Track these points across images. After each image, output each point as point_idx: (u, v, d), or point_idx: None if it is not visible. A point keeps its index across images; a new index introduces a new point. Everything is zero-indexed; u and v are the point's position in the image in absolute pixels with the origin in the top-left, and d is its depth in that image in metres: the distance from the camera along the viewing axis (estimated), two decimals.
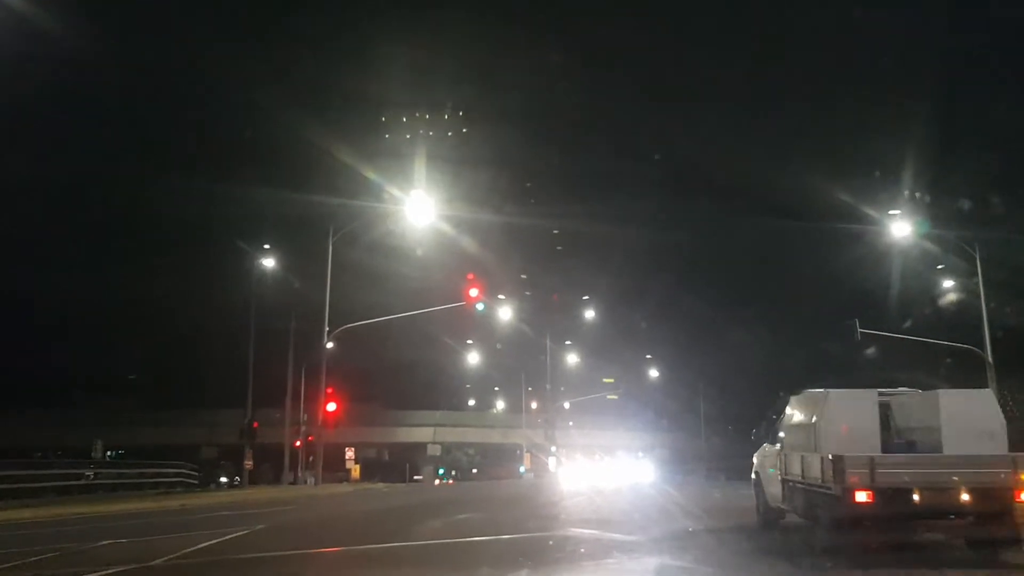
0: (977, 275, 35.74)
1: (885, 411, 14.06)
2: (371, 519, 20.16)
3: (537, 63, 50.11)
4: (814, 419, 13.89)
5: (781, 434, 16.02)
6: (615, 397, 77.25)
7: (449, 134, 42.02)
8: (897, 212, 35.22)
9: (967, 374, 42.99)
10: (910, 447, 13.35)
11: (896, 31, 53.95)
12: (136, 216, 57.00)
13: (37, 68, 41.80)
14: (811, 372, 56.31)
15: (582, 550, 13.71)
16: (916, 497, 11.88)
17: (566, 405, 73.98)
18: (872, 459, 12.14)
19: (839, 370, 56.47)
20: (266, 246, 42.92)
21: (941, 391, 14.12)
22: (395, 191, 35.51)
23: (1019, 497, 11.69)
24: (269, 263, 42.66)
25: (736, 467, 40.92)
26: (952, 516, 12.26)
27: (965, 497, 11.88)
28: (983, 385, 28.47)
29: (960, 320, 41.90)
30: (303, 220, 41.01)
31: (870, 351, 47.38)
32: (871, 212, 37.80)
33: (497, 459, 73.91)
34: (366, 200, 36.37)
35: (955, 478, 11.92)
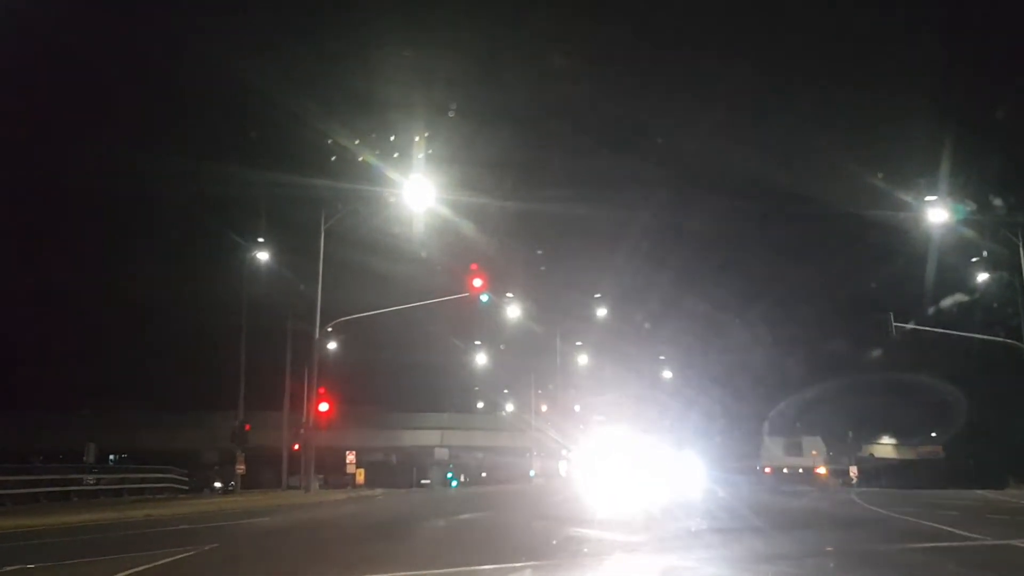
0: (1021, 263, 33.47)
1: (791, 443, 56.31)
2: (346, 534, 18.17)
3: (540, 59, 48.06)
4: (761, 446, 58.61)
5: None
6: (621, 402, 75.29)
7: (450, 131, 40.05)
8: (933, 198, 32.94)
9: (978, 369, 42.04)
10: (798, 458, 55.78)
11: (917, 16, 51.69)
12: (138, 212, 55.28)
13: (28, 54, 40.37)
14: (815, 372, 56.34)
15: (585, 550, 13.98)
16: (785, 470, 52.89)
17: (577, 408, 72.19)
18: (765, 458, 58.49)
19: (843, 371, 55.67)
20: (260, 240, 41.37)
21: (804, 438, 54.38)
22: (396, 180, 33.54)
23: (817, 471, 52.73)
24: (269, 261, 41.35)
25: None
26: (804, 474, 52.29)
27: (800, 471, 51.38)
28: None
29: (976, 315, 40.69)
30: (307, 221, 39.27)
31: (875, 352, 46.95)
32: (888, 206, 36.19)
33: (506, 462, 72.24)
34: (365, 185, 34.43)
35: (799, 464, 54.10)
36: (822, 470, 33.74)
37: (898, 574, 11.56)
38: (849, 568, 11.78)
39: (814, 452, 38.76)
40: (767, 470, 37.40)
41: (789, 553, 13.33)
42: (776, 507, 25.08)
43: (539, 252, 60.33)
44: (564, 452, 68.33)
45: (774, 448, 38.20)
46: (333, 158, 36.32)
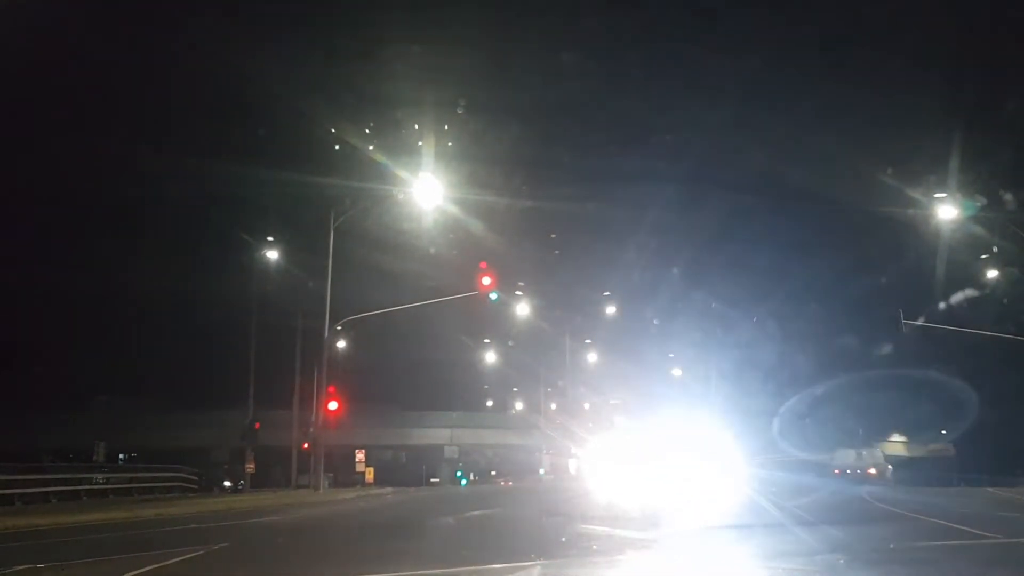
0: None
1: (858, 452, 54.07)
2: (356, 532, 18.17)
3: (549, 56, 48.03)
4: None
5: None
6: (631, 399, 75.12)
7: (460, 129, 40.00)
8: (943, 194, 32.67)
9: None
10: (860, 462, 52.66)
11: (927, 11, 51.48)
12: (147, 210, 55.28)
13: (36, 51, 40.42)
14: (825, 369, 56.25)
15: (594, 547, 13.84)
16: (848, 471, 50.92)
17: (586, 405, 72.01)
18: (836, 463, 53.57)
19: (853, 367, 55.60)
20: (269, 238, 41.39)
21: (865, 450, 55.09)
22: (405, 177, 33.46)
23: (870, 471, 51.19)
24: (279, 259, 41.36)
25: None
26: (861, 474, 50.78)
27: (859, 471, 50.73)
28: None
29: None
30: (317, 219, 39.29)
31: (885, 349, 47.39)
32: (897, 203, 36.02)
33: (516, 461, 72.22)
34: (375, 183, 34.39)
35: (858, 466, 51.77)
36: (872, 470, 52.29)
37: (909, 571, 11.48)
38: (860, 565, 11.71)
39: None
40: (836, 471, 52.75)
41: (799, 550, 13.22)
42: (786, 504, 24.98)
43: (552, 236, 60.19)
44: (574, 449, 68.14)
45: (846, 456, 55.13)
46: (342, 156, 36.39)
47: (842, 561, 12.01)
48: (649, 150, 70.38)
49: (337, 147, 36.61)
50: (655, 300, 70.18)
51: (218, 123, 54.61)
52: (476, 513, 22.69)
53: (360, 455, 49.88)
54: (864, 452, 54.77)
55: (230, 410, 48.54)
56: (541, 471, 65.92)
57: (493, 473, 72.36)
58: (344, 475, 51.38)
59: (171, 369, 59.69)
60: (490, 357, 67.42)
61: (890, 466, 54.26)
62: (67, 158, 48.88)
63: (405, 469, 63.65)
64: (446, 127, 37.92)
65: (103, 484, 34.16)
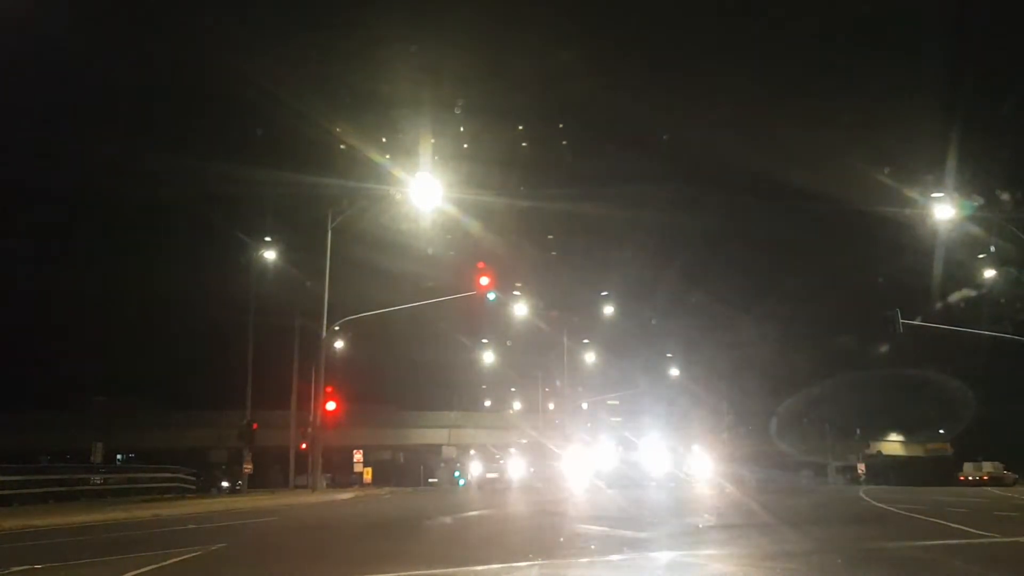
0: None
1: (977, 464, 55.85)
2: (354, 533, 18.10)
3: (546, 56, 47.97)
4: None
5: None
6: (628, 399, 75.08)
7: (457, 128, 39.97)
8: (940, 194, 32.69)
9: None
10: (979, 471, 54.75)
11: (924, 11, 51.42)
12: (146, 210, 55.29)
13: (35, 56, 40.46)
14: (823, 368, 56.44)
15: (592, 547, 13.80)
16: (971, 477, 53.78)
17: (584, 405, 71.99)
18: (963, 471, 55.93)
19: (851, 367, 55.79)
20: (267, 238, 41.35)
21: (984, 463, 54.33)
22: (403, 178, 33.42)
23: (984, 477, 52.53)
24: (277, 259, 41.23)
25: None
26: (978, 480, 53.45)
27: (978, 477, 53.67)
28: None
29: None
30: (315, 219, 39.31)
31: (883, 348, 47.18)
32: (894, 202, 36.08)
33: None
34: (372, 184, 34.36)
35: (977, 473, 55.41)
36: (985, 476, 52.09)
37: (906, 571, 11.44)
38: (856, 565, 11.68)
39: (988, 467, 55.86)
40: (960, 477, 53.96)
41: (796, 550, 13.15)
42: (783, 504, 25.02)
43: (550, 237, 60.17)
44: (572, 449, 68.22)
45: (971, 468, 55.10)
46: (340, 156, 36.37)
47: (839, 560, 11.96)
48: (648, 150, 70.29)
49: (335, 147, 36.57)
50: (653, 300, 70.36)
51: (216, 123, 54.72)
52: (474, 513, 22.69)
53: (358, 455, 49.91)
54: (984, 464, 55.10)
55: (228, 410, 48.51)
56: (539, 470, 66.05)
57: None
58: (342, 475, 51.44)
59: (169, 369, 59.69)
60: (488, 357, 67.37)
61: (1011, 474, 54.40)
62: (66, 158, 48.95)
63: (403, 469, 63.74)
64: (444, 127, 37.89)
65: (101, 485, 34.14)
